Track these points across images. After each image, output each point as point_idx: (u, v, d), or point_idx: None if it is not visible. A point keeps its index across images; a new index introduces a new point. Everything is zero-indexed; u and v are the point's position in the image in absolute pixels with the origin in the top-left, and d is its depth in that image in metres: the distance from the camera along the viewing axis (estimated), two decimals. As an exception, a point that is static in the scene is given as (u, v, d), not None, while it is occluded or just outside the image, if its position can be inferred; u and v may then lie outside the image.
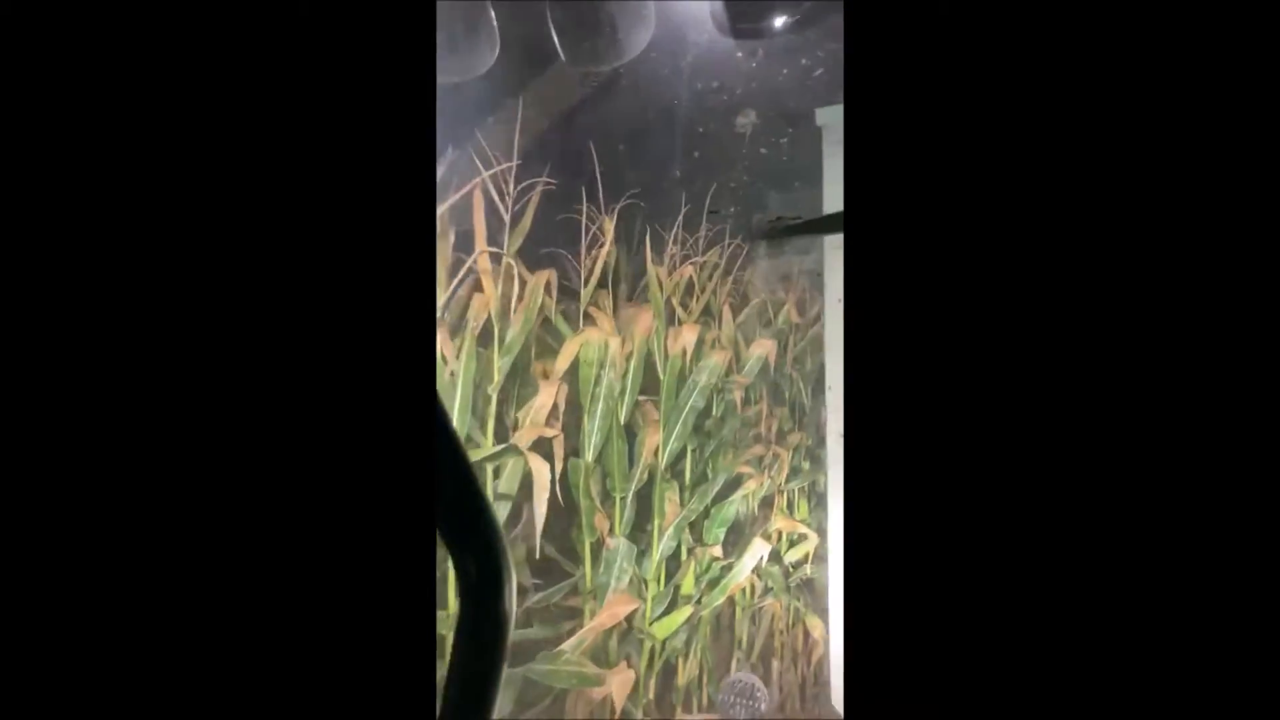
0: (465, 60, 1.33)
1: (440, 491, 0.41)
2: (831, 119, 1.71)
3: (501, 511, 1.31)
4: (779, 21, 1.77)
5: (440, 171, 1.18)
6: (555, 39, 1.43)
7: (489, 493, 1.28)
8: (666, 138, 1.95)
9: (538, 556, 1.31)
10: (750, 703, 1.80)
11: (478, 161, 1.24)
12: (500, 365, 1.30)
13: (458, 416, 1.22)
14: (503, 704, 1.32)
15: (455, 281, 1.17)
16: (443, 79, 1.32)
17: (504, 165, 1.25)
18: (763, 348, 1.89)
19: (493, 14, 1.34)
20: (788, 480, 2.08)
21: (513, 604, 0.42)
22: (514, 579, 0.42)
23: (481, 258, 1.22)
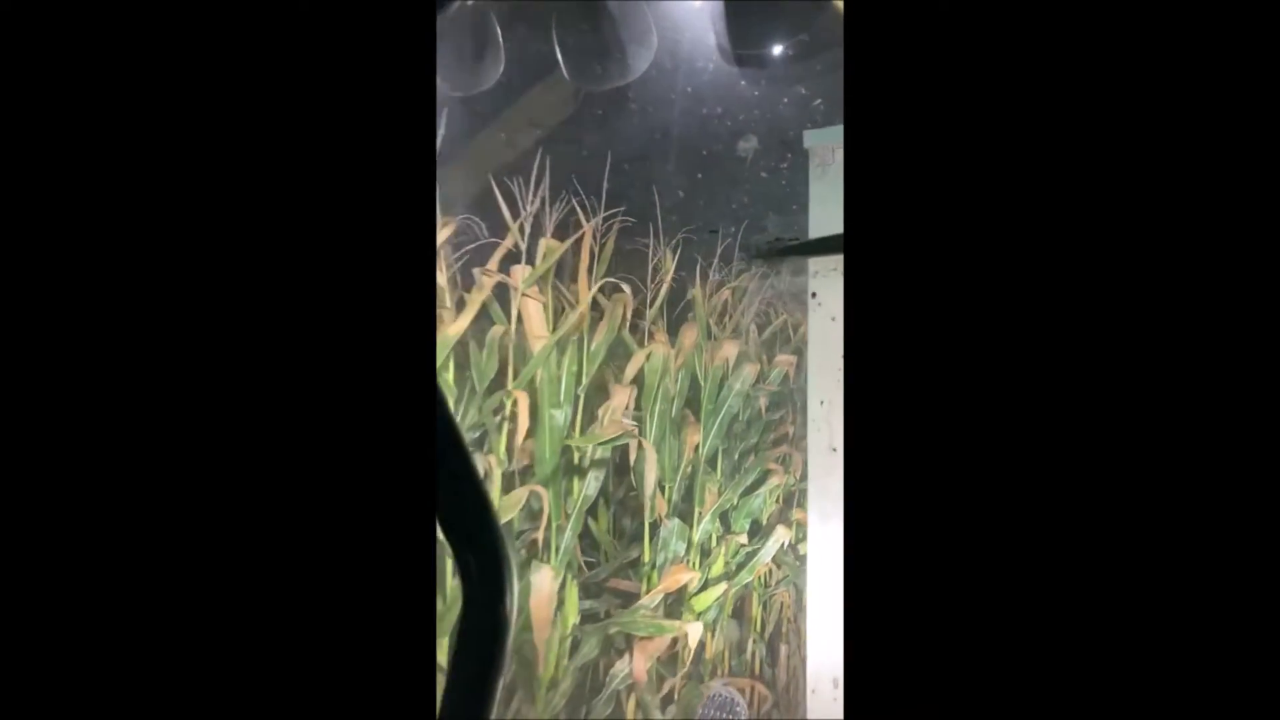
0: (470, 75, 1.40)
1: (442, 489, 0.41)
2: (818, 141, 1.74)
3: (596, 479, 1.59)
4: (778, 51, 1.81)
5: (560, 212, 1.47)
6: (559, 56, 1.49)
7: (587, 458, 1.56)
8: (672, 161, 2.00)
9: (654, 520, 1.59)
10: (730, 717, 1.89)
11: (578, 207, 1.54)
12: (588, 370, 1.59)
13: (563, 409, 1.51)
14: (588, 650, 1.58)
15: (582, 309, 1.47)
16: (449, 92, 1.42)
17: (609, 212, 1.55)
18: (785, 361, 2.19)
19: (498, 30, 1.41)
20: (801, 479, 2.37)
21: (514, 606, 0.42)
22: (515, 581, 0.42)
23: (583, 284, 1.52)
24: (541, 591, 1.42)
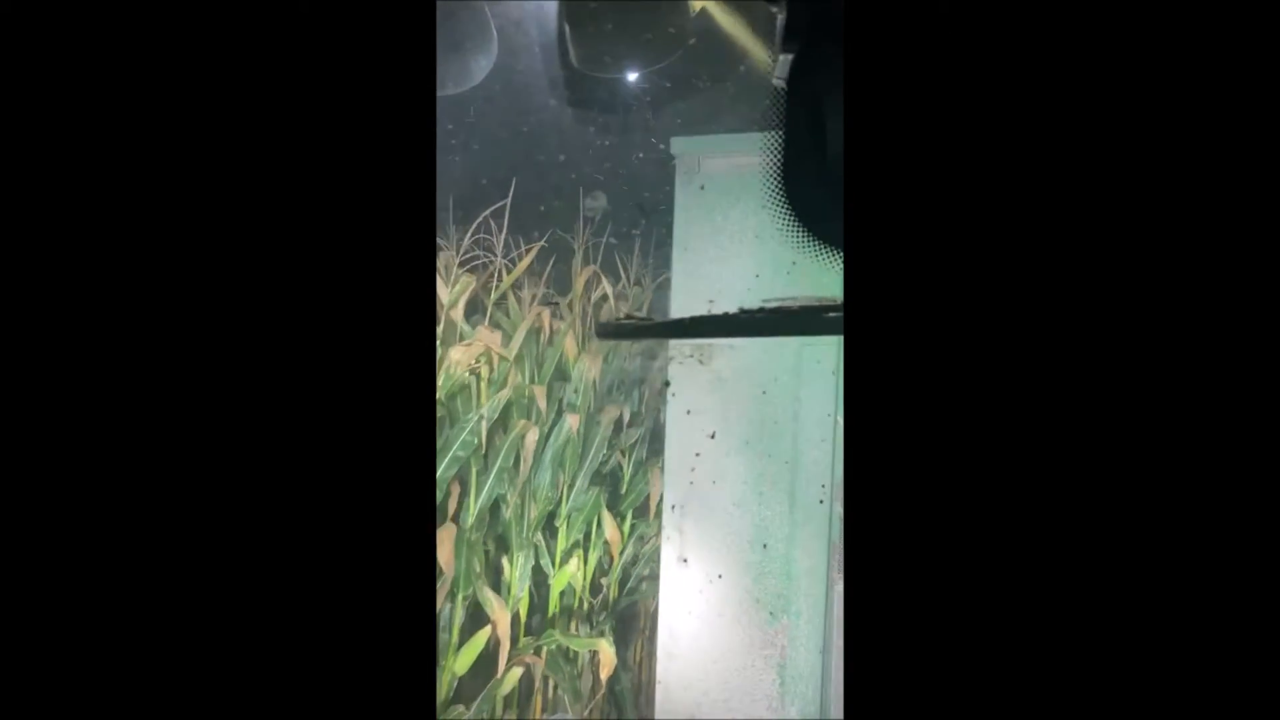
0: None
1: None
2: (684, 149, 1.73)
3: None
4: (632, 83, 1.67)
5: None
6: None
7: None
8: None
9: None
10: None
11: (620, 261, 2.47)
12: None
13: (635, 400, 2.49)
14: (642, 529, 2.52)
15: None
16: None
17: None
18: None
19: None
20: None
21: None
22: None
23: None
24: (654, 486, 2.26)
